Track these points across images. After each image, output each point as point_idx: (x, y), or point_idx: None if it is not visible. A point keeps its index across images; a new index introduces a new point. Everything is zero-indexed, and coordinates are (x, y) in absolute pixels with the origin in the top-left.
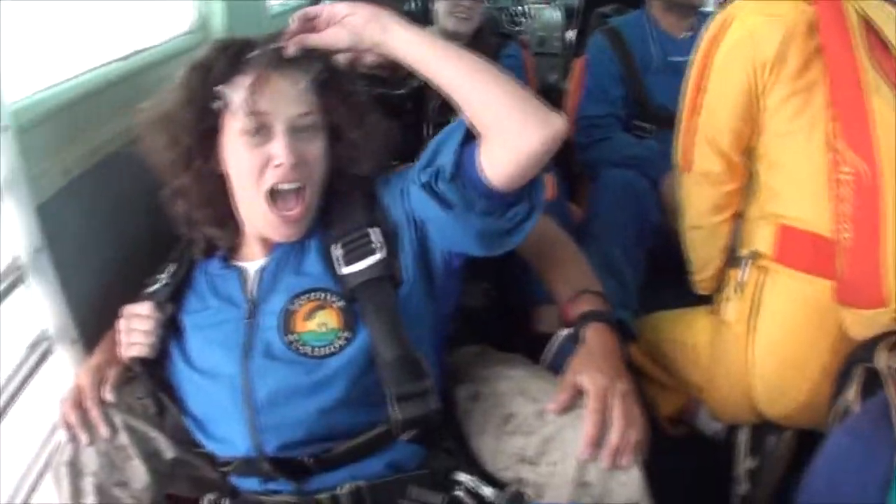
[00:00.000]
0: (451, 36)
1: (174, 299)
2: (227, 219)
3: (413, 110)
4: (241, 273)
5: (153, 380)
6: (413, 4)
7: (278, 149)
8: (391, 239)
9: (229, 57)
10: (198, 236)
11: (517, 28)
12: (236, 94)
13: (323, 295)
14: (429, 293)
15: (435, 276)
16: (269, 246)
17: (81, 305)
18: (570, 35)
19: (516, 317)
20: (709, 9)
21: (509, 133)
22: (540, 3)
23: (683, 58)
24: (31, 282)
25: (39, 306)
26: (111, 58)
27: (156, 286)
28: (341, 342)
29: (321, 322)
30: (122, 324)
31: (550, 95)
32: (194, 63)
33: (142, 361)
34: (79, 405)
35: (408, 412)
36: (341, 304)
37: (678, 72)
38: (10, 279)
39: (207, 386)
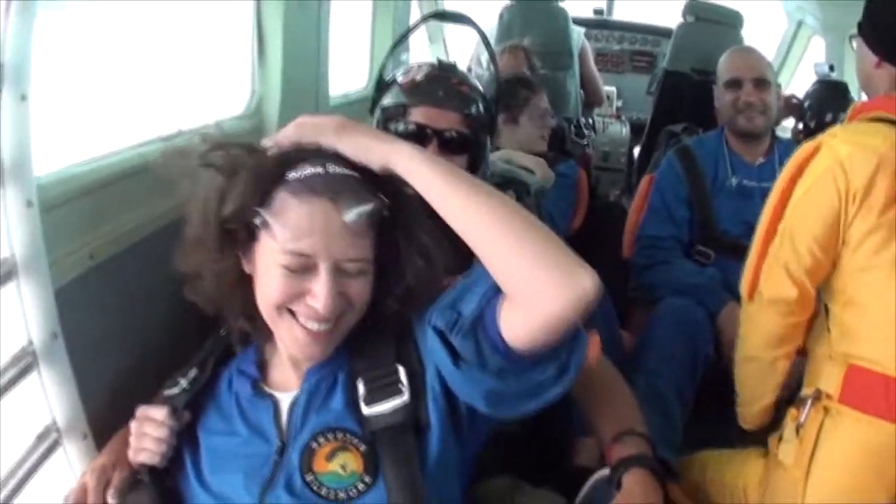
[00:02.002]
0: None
1: (192, 408)
2: (256, 313)
3: None
4: (274, 404)
5: (160, 490)
6: None
7: (318, 291)
8: (416, 379)
9: (267, 168)
10: (232, 323)
11: (583, 141)
12: (278, 224)
13: (344, 436)
14: (455, 439)
15: (461, 421)
16: (301, 372)
17: (94, 399)
18: (636, 151)
19: (552, 447)
20: (786, 135)
21: (529, 294)
22: (607, 117)
23: (755, 183)
24: (42, 369)
25: (50, 396)
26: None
27: (174, 390)
28: (361, 487)
29: (342, 463)
30: (134, 426)
31: (612, 212)
32: (226, 160)
33: (150, 469)
34: None
35: None
36: (364, 447)
37: (748, 197)
38: (21, 364)
39: None
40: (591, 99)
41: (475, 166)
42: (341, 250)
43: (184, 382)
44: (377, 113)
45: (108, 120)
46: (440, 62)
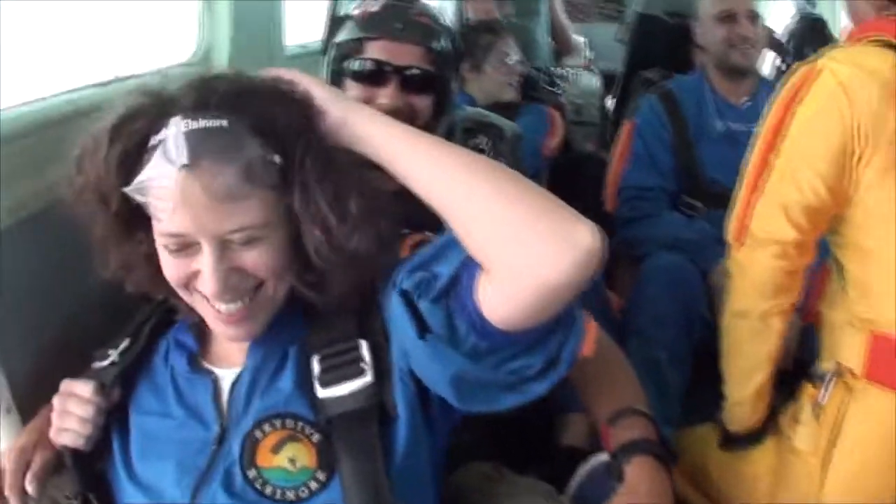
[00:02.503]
0: (501, 105)
1: (124, 383)
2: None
3: None
4: (214, 383)
5: (85, 476)
6: None
7: (204, 272)
8: (381, 356)
9: (139, 130)
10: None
11: (556, 91)
12: (151, 201)
13: (295, 423)
14: (426, 426)
15: (432, 405)
16: (245, 345)
17: (20, 368)
18: (609, 103)
19: (534, 424)
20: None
21: (515, 257)
22: (578, 68)
23: (741, 127)
24: None
25: None
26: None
27: (103, 363)
28: (313, 486)
29: (291, 457)
30: (56, 402)
31: (590, 164)
32: (117, 119)
33: (74, 452)
34: None
35: None
36: (317, 437)
37: (736, 143)
38: None
39: None
40: (561, 47)
41: (441, 108)
42: (215, 223)
43: (114, 354)
44: (330, 51)
45: (41, 63)
46: None
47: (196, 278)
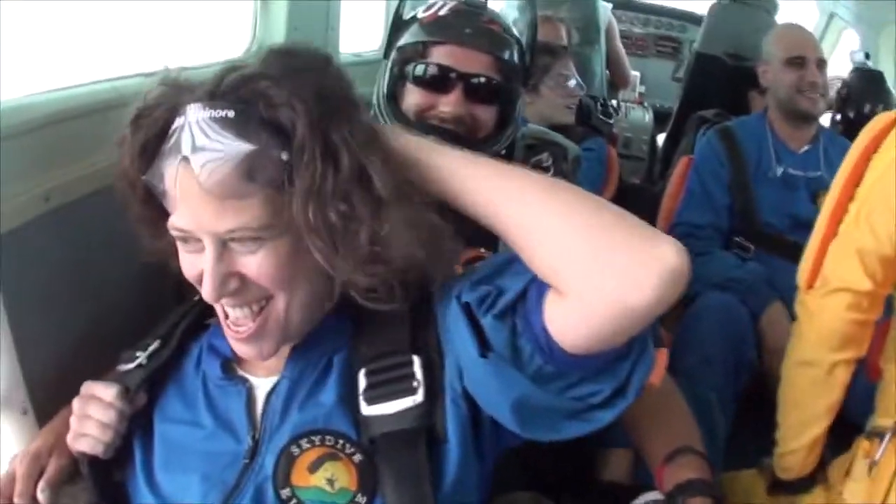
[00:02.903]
0: (558, 127)
1: (150, 388)
2: None
3: None
4: (248, 391)
5: (101, 485)
6: None
7: (204, 271)
8: (434, 375)
9: (156, 121)
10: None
11: (609, 121)
12: (163, 190)
13: (335, 440)
14: (475, 450)
15: (484, 430)
16: (284, 352)
17: (38, 368)
18: (659, 139)
19: (574, 456)
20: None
21: (593, 275)
22: (630, 102)
23: (800, 173)
24: None
25: None
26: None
27: (129, 365)
28: None
29: (329, 477)
30: (76, 405)
31: (642, 196)
32: (139, 109)
33: (91, 459)
34: (8, 499)
35: None
36: (359, 457)
37: (793, 188)
38: None
39: None
40: (617, 80)
41: (505, 120)
42: (212, 221)
43: (142, 357)
44: (392, 55)
45: (92, 52)
46: None
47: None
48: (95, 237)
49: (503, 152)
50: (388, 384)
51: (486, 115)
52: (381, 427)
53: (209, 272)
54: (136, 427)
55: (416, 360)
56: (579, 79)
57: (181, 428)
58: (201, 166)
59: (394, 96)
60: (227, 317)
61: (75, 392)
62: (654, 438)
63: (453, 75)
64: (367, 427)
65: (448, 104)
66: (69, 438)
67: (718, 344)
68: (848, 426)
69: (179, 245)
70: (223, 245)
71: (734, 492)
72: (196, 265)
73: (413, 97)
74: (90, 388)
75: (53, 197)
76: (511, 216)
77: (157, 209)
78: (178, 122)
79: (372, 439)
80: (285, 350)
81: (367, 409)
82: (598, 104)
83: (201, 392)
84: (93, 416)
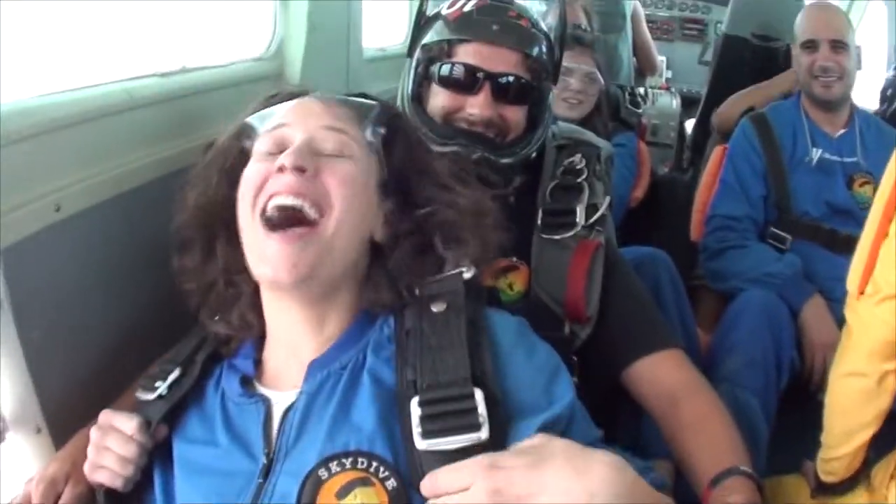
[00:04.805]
0: (560, 120)
1: (172, 415)
2: (244, 300)
3: (521, 190)
4: (265, 407)
5: None
6: None
7: (285, 153)
8: (495, 410)
9: (279, 97)
10: (212, 324)
11: (638, 110)
12: (263, 122)
13: (369, 463)
14: None
15: None
16: (303, 365)
17: (53, 384)
18: (687, 126)
19: None
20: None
21: None
22: (657, 89)
23: (837, 158)
24: None
25: None
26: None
27: (149, 395)
28: None
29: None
30: (94, 436)
31: (675, 187)
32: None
33: (108, 491)
34: None
35: None
36: (393, 483)
37: (829, 174)
38: None
39: None
40: (644, 66)
41: (535, 121)
42: (317, 115)
43: (162, 387)
44: (417, 53)
45: (104, 52)
46: None
47: (272, 176)
48: (110, 248)
49: (534, 154)
50: (451, 416)
51: (516, 115)
52: (435, 462)
53: (295, 146)
54: (155, 455)
55: (479, 393)
56: (597, 72)
57: (199, 448)
58: (322, 98)
59: (419, 97)
60: (276, 229)
61: (91, 409)
62: (697, 456)
63: (480, 75)
64: (420, 463)
65: (476, 105)
66: (87, 469)
67: (760, 344)
68: (892, 422)
69: (260, 158)
70: (312, 145)
71: (778, 496)
72: (268, 166)
73: (439, 98)
74: (109, 417)
75: (64, 206)
76: None
77: (231, 182)
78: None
79: (423, 470)
80: (304, 363)
81: (422, 443)
82: (626, 94)
83: (219, 410)
84: (112, 449)
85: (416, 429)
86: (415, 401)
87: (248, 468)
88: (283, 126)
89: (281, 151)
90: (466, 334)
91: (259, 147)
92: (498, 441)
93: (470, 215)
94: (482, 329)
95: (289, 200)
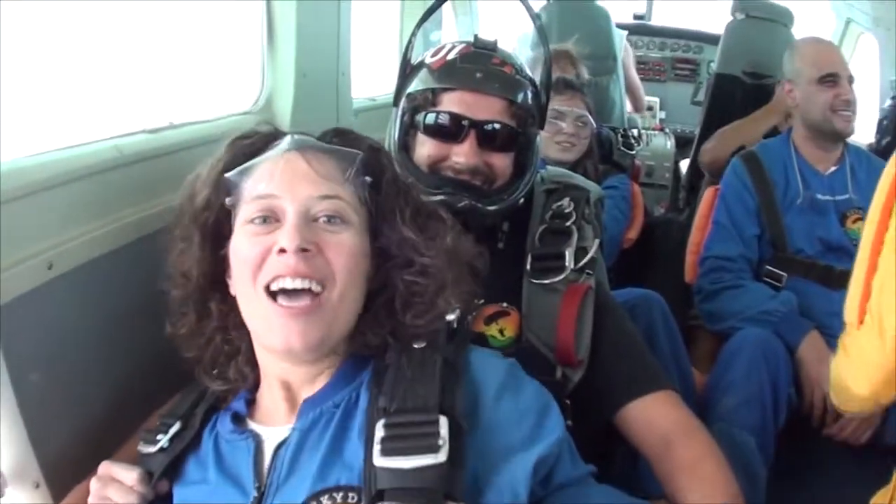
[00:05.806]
0: (552, 163)
1: (172, 467)
2: (241, 355)
3: (509, 235)
4: (256, 444)
5: None
6: None
7: (286, 227)
8: (458, 439)
9: (253, 143)
10: (210, 381)
11: (631, 152)
12: (246, 179)
13: (359, 498)
14: None
15: None
16: (296, 403)
17: (50, 440)
18: (682, 167)
19: None
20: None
21: None
22: (651, 130)
23: (828, 197)
24: None
25: None
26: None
27: (150, 448)
28: None
29: None
30: (94, 488)
31: (670, 229)
32: (236, 136)
33: None
34: None
35: None
36: None
37: (821, 213)
38: None
39: None
40: (633, 105)
41: (522, 167)
42: (307, 187)
43: (163, 440)
44: (402, 102)
45: (96, 111)
46: (477, 38)
47: (271, 255)
48: (104, 303)
49: (521, 200)
50: (410, 438)
51: (503, 162)
52: (392, 480)
53: (293, 226)
54: None
55: (443, 421)
56: (588, 115)
57: (193, 488)
58: (305, 153)
59: (405, 146)
60: (279, 295)
61: (88, 463)
62: (692, 499)
63: (465, 123)
64: (375, 478)
65: (461, 154)
66: None
67: (757, 383)
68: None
69: (250, 229)
70: (307, 214)
71: None
72: (265, 242)
73: (425, 147)
74: (109, 468)
75: (57, 264)
76: None
77: (216, 239)
78: (279, 140)
79: (380, 491)
80: (297, 401)
81: (381, 459)
82: (619, 136)
83: (212, 450)
84: (112, 499)
85: (377, 446)
86: (381, 423)
87: (239, 502)
88: (271, 197)
89: (271, 218)
90: (441, 371)
91: (246, 214)
92: (456, 465)
93: (447, 270)
94: (460, 370)
95: (296, 283)
